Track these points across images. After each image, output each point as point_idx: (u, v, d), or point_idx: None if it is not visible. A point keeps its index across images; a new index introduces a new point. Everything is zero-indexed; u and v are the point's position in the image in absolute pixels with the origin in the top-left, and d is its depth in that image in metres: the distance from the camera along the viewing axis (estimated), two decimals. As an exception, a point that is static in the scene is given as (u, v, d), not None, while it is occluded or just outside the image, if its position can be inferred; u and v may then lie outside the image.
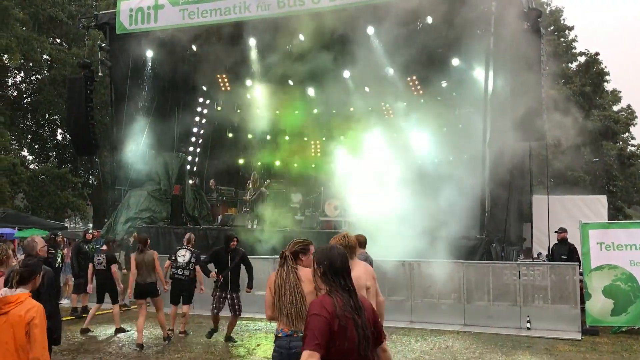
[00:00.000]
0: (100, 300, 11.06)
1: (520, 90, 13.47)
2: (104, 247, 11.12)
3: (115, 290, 10.96)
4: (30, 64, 31.05)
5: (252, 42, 17.63)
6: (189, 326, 10.78)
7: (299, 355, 3.09)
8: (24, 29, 27.93)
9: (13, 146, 31.33)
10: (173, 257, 10.30)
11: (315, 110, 20.14)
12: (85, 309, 12.14)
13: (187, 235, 10.61)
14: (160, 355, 9.02)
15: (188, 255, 10.21)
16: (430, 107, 17.64)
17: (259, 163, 21.80)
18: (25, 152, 34.95)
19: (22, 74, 33.90)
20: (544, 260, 14.07)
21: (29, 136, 34.84)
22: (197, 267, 10.14)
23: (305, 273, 4.53)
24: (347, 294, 3.19)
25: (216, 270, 9.58)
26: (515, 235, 16.34)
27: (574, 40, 38.62)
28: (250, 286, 9.48)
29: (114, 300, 10.91)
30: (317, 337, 3.01)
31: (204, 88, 21.06)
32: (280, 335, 4.57)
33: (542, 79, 14.34)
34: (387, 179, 17.15)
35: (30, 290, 4.28)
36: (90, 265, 11.10)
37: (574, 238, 12.43)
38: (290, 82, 19.15)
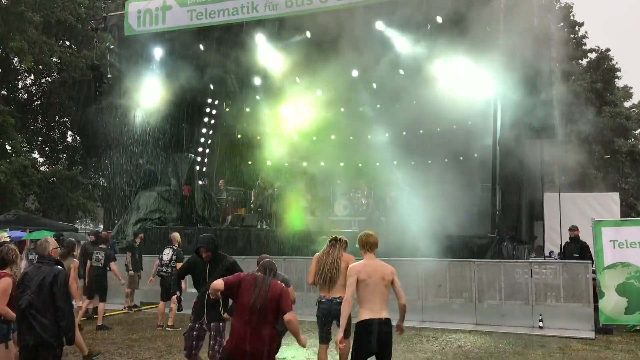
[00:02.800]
0: (91, 297, 11.49)
1: (530, 88, 13.37)
2: (102, 245, 11.86)
3: (106, 288, 11.53)
4: (40, 66, 31.23)
5: (259, 41, 17.61)
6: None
7: (337, 313, 6.08)
8: (34, 31, 28.10)
9: (24, 148, 31.50)
10: (160, 256, 11.41)
11: (323, 110, 20.08)
12: (96, 310, 12.16)
13: (171, 235, 11.50)
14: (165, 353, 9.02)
15: (170, 253, 11.24)
16: (439, 106, 17.54)
17: (268, 163, 21.79)
18: (35, 154, 35.15)
19: (32, 77, 34.12)
20: (555, 259, 13.97)
21: (40, 138, 35.04)
22: (179, 264, 10.78)
23: (345, 256, 6.76)
24: (263, 278, 5.13)
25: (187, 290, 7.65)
26: (527, 233, 16.22)
27: (584, 36, 38.33)
28: (228, 311, 5.92)
29: (102, 298, 11.41)
30: (229, 280, 5.11)
31: (212, 88, 21.08)
32: (323, 300, 6.77)
33: (553, 76, 14.23)
34: (397, 178, 17.13)
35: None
36: (88, 262, 11.54)
37: (586, 236, 12.32)
38: (298, 81, 19.12)
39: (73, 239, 11.14)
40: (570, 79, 35.65)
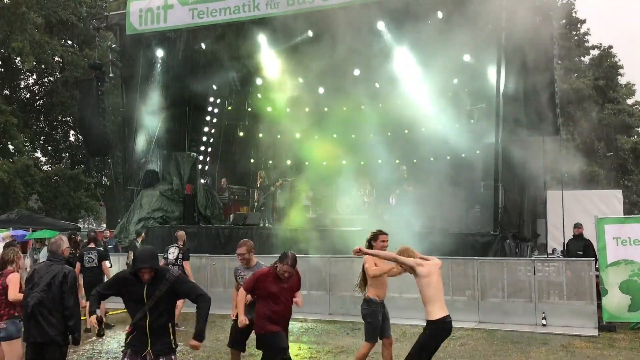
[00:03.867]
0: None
1: (532, 85, 13.34)
2: (91, 245, 11.48)
3: None
4: (43, 66, 31.26)
5: (261, 40, 17.61)
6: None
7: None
8: (36, 31, 28.14)
9: (26, 148, 31.55)
10: (165, 255, 10.88)
11: (325, 108, 20.08)
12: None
13: (177, 233, 11.24)
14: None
15: (176, 252, 10.91)
16: (441, 103, 17.52)
17: (270, 162, 21.79)
18: (38, 154, 35.22)
19: (34, 77, 34.15)
20: (558, 256, 13.93)
21: (42, 138, 35.08)
22: (185, 263, 10.84)
23: (367, 258, 6.69)
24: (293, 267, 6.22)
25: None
26: (530, 231, 16.19)
27: (586, 33, 38.25)
28: (198, 336, 5.06)
29: None
30: (248, 285, 6.26)
31: (214, 87, 21.08)
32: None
33: (555, 74, 14.19)
34: (399, 176, 17.12)
35: None
36: (78, 264, 11.15)
37: (589, 233, 12.29)
38: (300, 80, 19.12)
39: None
40: (573, 76, 35.59)
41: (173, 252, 10.97)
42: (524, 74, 13.56)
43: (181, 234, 11.48)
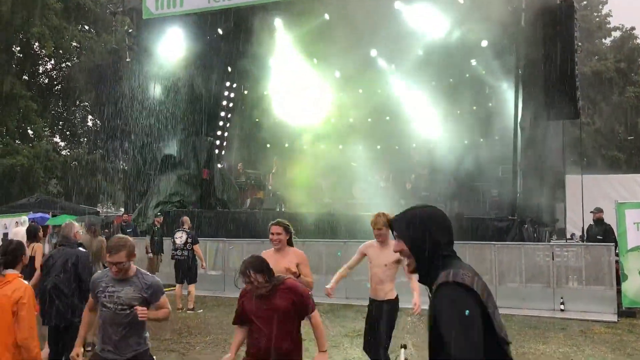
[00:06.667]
0: None
1: (552, 68, 13.14)
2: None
3: None
4: (60, 51, 31.46)
5: (277, 23, 17.52)
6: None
7: None
8: (54, 16, 28.28)
9: (45, 133, 31.88)
10: (172, 240, 11.17)
11: (341, 92, 19.96)
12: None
13: (182, 218, 11.33)
14: (179, 336, 9.12)
15: (184, 236, 11.02)
16: (459, 86, 17.34)
17: (286, 145, 21.75)
18: (57, 139, 35.55)
19: (52, 62, 34.39)
20: (577, 241, 13.82)
21: (61, 123, 35.42)
22: (195, 246, 10.99)
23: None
24: None
25: None
26: (548, 215, 16.05)
27: (608, 15, 37.52)
28: None
29: None
30: None
31: (230, 71, 21.04)
32: None
33: (576, 56, 13.98)
34: (417, 161, 17.03)
35: (20, 271, 4.17)
36: None
37: (609, 218, 12.15)
38: (316, 63, 19.01)
39: (94, 221, 11.25)
40: (594, 58, 35.01)
41: (181, 237, 11.07)
42: (543, 57, 13.35)
43: (186, 218, 11.60)
